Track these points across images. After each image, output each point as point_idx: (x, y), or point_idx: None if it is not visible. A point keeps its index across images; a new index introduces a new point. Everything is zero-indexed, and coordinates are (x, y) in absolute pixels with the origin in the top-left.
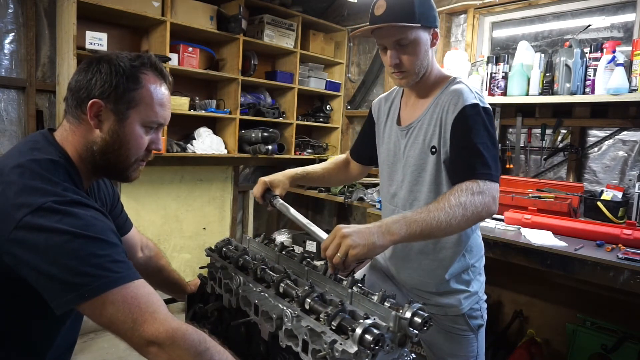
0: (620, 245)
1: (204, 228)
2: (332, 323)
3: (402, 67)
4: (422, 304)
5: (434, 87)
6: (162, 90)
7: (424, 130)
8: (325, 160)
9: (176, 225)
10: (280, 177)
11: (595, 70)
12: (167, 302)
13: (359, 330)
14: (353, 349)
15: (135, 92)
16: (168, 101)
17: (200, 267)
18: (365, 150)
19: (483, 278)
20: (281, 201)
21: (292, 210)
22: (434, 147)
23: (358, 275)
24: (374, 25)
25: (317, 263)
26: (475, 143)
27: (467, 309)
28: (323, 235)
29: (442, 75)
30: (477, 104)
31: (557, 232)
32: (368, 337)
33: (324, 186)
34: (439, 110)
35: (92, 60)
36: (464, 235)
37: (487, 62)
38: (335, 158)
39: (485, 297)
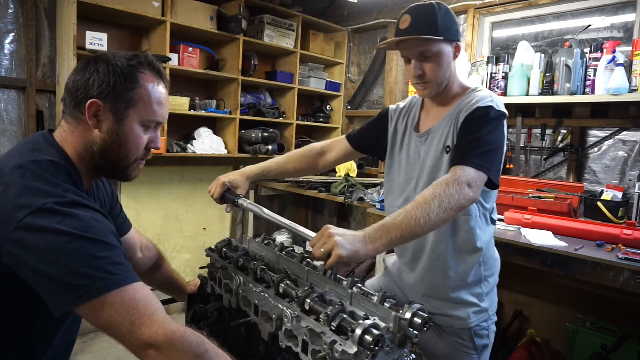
0: (620, 245)
1: (204, 228)
2: (332, 323)
3: (424, 77)
4: (429, 312)
5: (455, 98)
6: (159, 89)
7: (440, 132)
8: None
9: (176, 225)
10: (239, 177)
11: (595, 70)
12: (167, 302)
13: (358, 331)
14: (353, 349)
15: (133, 92)
16: (166, 100)
17: (200, 267)
18: (369, 142)
19: (495, 298)
20: (249, 200)
21: (266, 210)
22: (448, 146)
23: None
24: (399, 38)
25: (317, 263)
26: (474, 136)
27: (475, 325)
28: (309, 232)
29: (464, 86)
30: (490, 106)
31: (557, 232)
32: (368, 337)
33: (286, 178)
34: (455, 113)
35: (89, 60)
36: (479, 240)
37: (487, 62)
38: (304, 148)
39: (495, 318)
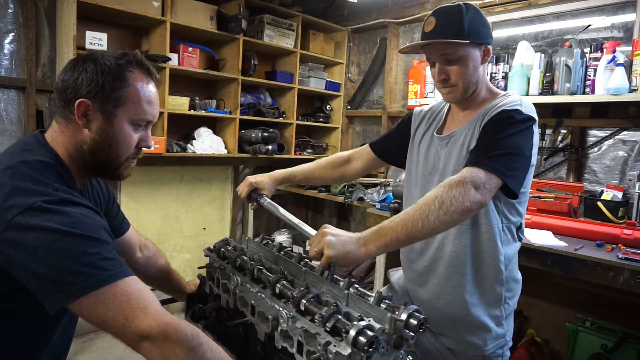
0: (620, 245)
1: (204, 228)
2: (327, 324)
3: (449, 82)
4: (439, 333)
5: (483, 103)
6: (149, 88)
7: (464, 136)
8: None
9: (176, 225)
10: (266, 179)
11: (595, 70)
12: (167, 302)
13: (352, 332)
14: (346, 350)
15: (122, 91)
16: (156, 98)
17: (199, 267)
18: (391, 149)
19: (512, 323)
20: (269, 200)
21: (282, 210)
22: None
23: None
24: (422, 42)
25: (315, 264)
26: (492, 138)
27: (490, 352)
28: (314, 233)
29: (494, 92)
30: (516, 109)
31: (557, 232)
32: (362, 339)
33: (314, 184)
34: (481, 116)
35: (78, 59)
36: (501, 255)
37: (487, 62)
38: (332, 157)
39: (511, 343)
